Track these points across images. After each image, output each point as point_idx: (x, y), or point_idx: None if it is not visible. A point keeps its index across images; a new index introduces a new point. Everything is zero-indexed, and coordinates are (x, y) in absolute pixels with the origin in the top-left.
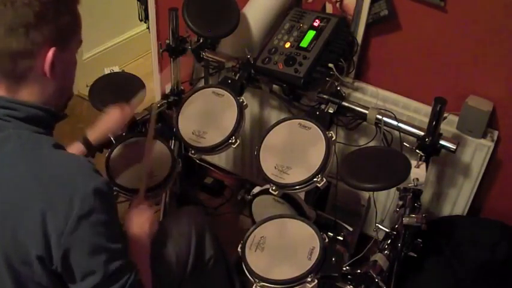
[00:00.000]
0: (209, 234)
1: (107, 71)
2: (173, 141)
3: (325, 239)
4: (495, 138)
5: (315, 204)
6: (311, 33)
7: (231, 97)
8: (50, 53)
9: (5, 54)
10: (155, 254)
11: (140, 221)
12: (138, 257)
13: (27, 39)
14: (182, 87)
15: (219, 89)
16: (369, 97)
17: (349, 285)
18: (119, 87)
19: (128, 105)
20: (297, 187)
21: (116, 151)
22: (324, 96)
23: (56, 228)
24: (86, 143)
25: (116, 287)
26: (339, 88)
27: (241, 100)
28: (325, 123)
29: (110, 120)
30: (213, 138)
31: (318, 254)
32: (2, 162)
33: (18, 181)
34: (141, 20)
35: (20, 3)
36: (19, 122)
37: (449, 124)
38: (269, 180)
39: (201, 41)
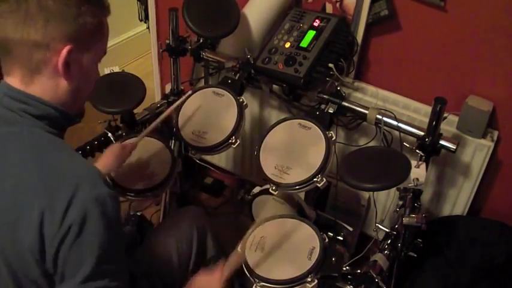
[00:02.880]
0: (210, 234)
1: (107, 71)
2: (173, 141)
3: (325, 239)
4: (495, 138)
5: (315, 204)
6: (311, 33)
7: (231, 97)
8: (65, 50)
9: (24, 43)
10: (157, 254)
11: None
12: None
13: (45, 31)
14: (182, 87)
15: (219, 89)
16: (369, 97)
17: (349, 285)
18: (119, 87)
19: (130, 143)
20: (297, 187)
21: None
22: (324, 96)
23: (51, 229)
24: None
25: None
26: (339, 88)
27: (241, 100)
28: (325, 123)
29: (110, 157)
30: (213, 138)
31: (318, 254)
32: (11, 158)
33: (25, 179)
34: (141, 20)
35: None
36: (33, 118)
37: (449, 124)
38: (269, 180)
39: (201, 41)
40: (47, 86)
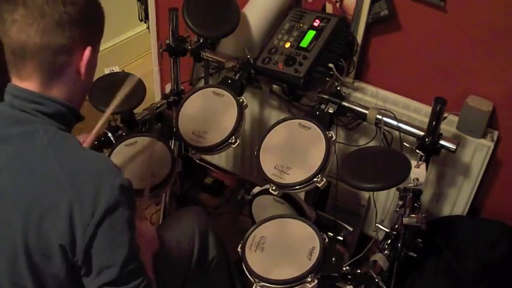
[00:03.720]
0: (212, 234)
1: (107, 71)
2: (173, 141)
3: (325, 239)
4: (495, 138)
5: (315, 204)
6: (311, 33)
7: (231, 97)
8: (87, 52)
9: (50, 48)
10: (158, 253)
11: (143, 241)
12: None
13: (71, 36)
14: (182, 87)
15: (219, 89)
16: (369, 97)
17: (349, 285)
18: (118, 87)
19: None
20: (297, 187)
21: (115, 151)
22: (324, 96)
23: (82, 220)
24: None
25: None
26: (339, 88)
27: (241, 100)
28: (325, 123)
29: None
30: (213, 138)
31: (318, 254)
32: (31, 155)
33: (47, 174)
34: (141, 20)
35: (68, 1)
36: (46, 117)
37: (449, 124)
38: (269, 180)
39: (201, 41)
40: (66, 87)
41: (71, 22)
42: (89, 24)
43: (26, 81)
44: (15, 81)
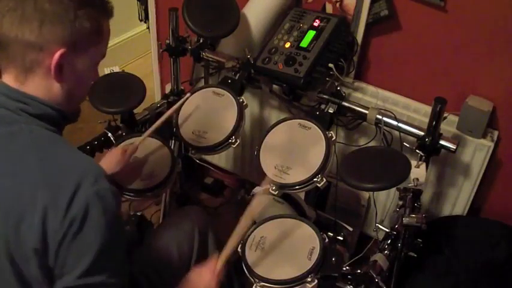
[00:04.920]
0: (211, 234)
1: (107, 71)
2: (173, 141)
3: (325, 239)
4: (495, 138)
5: (315, 204)
6: (311, 33)
7: (231, 97)
8: (57, 54)
9: (19, 42)
10: (157, 254)
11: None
12: None
13: (40, 33)
14: (182, 87)
15: (219, 89)
16: (369, 97)
17: (349, 285)
18: (119, 87)
19: (131, 147)
20: (297, 187)
21: None
22: (324, 96)
23: (54, 224)
24: None
25: None
26: (339, 88)
27: (241, 100)
28: (325, 123)
29: (110, 161)
30: (213, 138)
31: (318, 254)
32: (12, 155)
33: (27, 175)
34: (141, 20)
35: None
36: (31, 117)
37: (449, 124)
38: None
39: (201, 41)
40: (41, 86)
41: (40, 19)
42: (64, 26)
43: (5, 74)
44: (1, 75)
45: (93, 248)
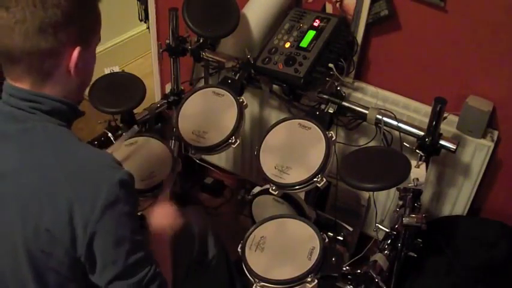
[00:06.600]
0: (212, 233)
1: (107, 71)
2: (173, 141)
3: (325, 239)
4: (495, 138)
5: (315, 204)
6: (311, 33)
7: (231, 97)
8: (76, 52)
9: (34, 53)
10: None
11: (163, 213)
12: (158, 248)
13: (55, 39)
14: (182, 87)
15: (219, 89)
16: (369, 97)
17: (349, 285)
18: (118, 87)
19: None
20: (297, 187)
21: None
22: (324, 96)
23: (82, 217)
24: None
25: (136, 279)
26: (339, 88)
27: (241, 100)
28: (325, 123)
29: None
30: (213, 138)
31: (318, 254)
32: (29, 152)
33: (46, 170)
34: (141, 20)
35: (49, 4)
36: (44, 114)
37: (449, 124)
38: (269, 180)
39: (201, 41)
40: (58, 86)
41: (54, 25)
42: (76, 25)
43: (18, 82)
44: (9, 81)
45: (128, 233)
